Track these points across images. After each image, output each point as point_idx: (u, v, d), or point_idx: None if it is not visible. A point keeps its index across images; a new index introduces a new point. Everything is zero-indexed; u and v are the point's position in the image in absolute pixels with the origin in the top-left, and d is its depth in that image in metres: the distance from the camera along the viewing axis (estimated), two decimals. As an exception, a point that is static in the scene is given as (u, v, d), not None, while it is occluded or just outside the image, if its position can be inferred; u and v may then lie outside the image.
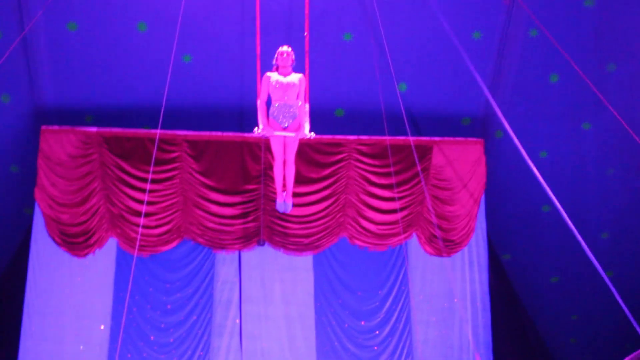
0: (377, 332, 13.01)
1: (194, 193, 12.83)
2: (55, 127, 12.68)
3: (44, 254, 12.57)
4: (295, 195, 12.69)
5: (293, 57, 9.31)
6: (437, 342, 13.02)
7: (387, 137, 12.63)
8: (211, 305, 12.84)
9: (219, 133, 12.88)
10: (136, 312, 12.61)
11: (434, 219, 12.98)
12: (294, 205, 12.69)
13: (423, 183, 12.74)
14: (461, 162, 13.13)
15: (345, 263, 13.25)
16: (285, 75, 9.15)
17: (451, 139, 13.25)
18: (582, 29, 12.44)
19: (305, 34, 9.55)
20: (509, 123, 12.46)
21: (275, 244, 12.98)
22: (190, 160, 12.81)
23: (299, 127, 9.11)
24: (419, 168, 12.58)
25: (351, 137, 13.09)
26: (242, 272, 12.99)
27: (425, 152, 13.07)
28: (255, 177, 12.78)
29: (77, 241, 12.61)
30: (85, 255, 12.64)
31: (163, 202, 12.79)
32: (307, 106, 9.25)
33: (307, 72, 9.38)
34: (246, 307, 12.85)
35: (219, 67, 12.73)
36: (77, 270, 12.64)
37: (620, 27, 12.52)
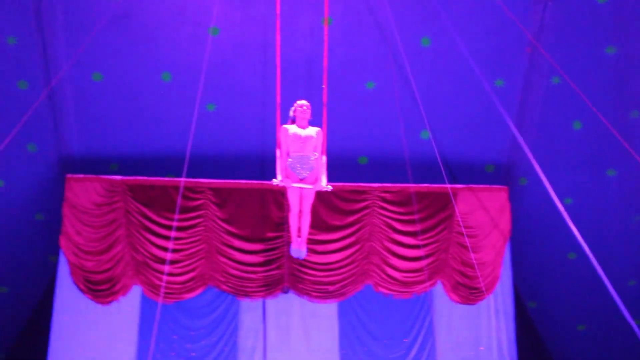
0: (403, 380, 12.91)
1: (218, 240, 12.85)
2: (81, 176, 12.77)
3: (69, 302, 12.57)
4: (319, 242, 12.78)
5: (310, 111, 9.33)
6: (463, 391, 12.91)
7: (411, 185, 12.63)
8: (236, 353, 12.77)
9: (243, 181, 12.93)
10: (160, 359, 12.57)
11: (459, 267, 12.94)
12: (319, 252, 12.78)
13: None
14: (486, 210, 13.08)
15: (370, 311, 13.16)
16: (302, 127, 9.18)
17: (475, 186, 13.22)
18: (604, 76, 12.44)
19: (324, 85, 9.58)
20: (533, 170, 12.48)
21: (300, 292, 12.94)
22: (214, 208, 12.85)
23: (316, 180, 9.09)
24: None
25: (375, 185, 13.09)
26: (266, 319, 12.94)
27: (449, 199, 13.04)
28: (278, 225, 12.79)
29: (101, 289, 12.62)
30: (110, 302, 12.64)
31: (187, 249, 12.80)
32: (324, 158, 9.25)
33: (324, 123, 9.38)
34: (271, 354, 12.76)
35: (243, 115, 12.83)
36: (101, 318, 12.61)
37: (643, 74, 12.54)
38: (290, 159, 9.00)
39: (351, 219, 13.06)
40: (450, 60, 11.99)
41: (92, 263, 12.61)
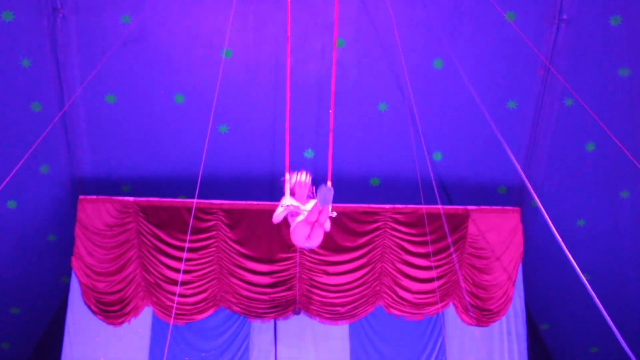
0: (415, 403, 12.85)
1: (230, 262, 12.85)
2: (93, 197, 12.81)
3: (80, 323, 12.59)
4: (330, 263, 12.79)
5: (310, 186, 8.68)
6: (476, 414, 12.84)
7: (423, 206, 12.62)
8: (247, 375, 12.76)
9: (254, 202, 12.93)
10: (172, 381, 12.57)
11: (471, 288, 12.92)
12: (330, 273, 12.81)
13: (454, 256, 12.66)
14: (498, 231, 13.05)
15: (382, 332, 13.12)
16: (302, 204, 8.59)
17: (487, 207, 13.19)
18: (617, 97, 12.43)
19: (331, 111, 9.53)
20: (546, 192, 12.49)
21: (311, 313, 12.92)
22: (226, 229, 12.85)
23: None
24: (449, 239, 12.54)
25: (387, 206, 13.07)
26: (277, 340, 12.92)
27: (461, 221, 13.02)
28: (290, 246, 12.77)
29: (113, 309, 12.64)
30: (121, 323, 12.66)
31: (199, 270, 12.81)
32: (329, 184, 8.85)
33: (330, 148, 9.27)
34: (282, 375, 12.77)
35: (254, 137, 12.85)
36: (112, 339, 12.62)
37: (656, 96, 12.52)
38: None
39: (363, 240, 13.04)
40: (462, 82, 11.99)
41: (104, 284, 12.62)
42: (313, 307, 12.92)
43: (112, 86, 12.37)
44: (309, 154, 12.94)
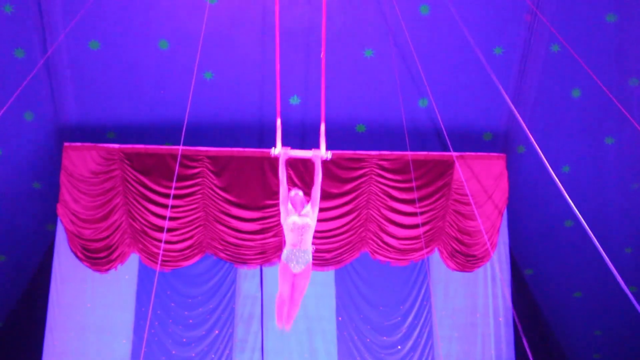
0: (399, 347, 12.96)
1: (216, 208, 12.86)
2: (78, 144, 12.76)
3: (66, 270, 12.64)
4: (316, 210, 12.78)
5: (302, 196, 8.61)
6: (460, 358, 12.96)
7: (408, 152, 12.62)
8: (233, 320, 12.86)
9: (240, 149, 12.92)
10: (158, 326, 12.62)
11: (456, 234, 12.99)
12: (317, 220, 12.77)
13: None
14: (483, 177, 13.09)
15: (367, 278, 13.22)
16: (299, 213, 8.50)
17: (473, 154, 13.21)
18: (604, 44, 12.42)
19: (322, 54, 9.48)
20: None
21: (297, 260, 12.97)
22: (212, 176, 12.85)
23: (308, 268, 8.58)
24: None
25: (373, 153, 13.08)
26: (263, 287, 12.99)
27: (446, 167, 13.05)
28: (275, 193, 12.74)
29: (99, 257, 12.67)
30: (107, 270, 12.70)
31: (185, 217, 12.83)
32: (322, 127, 8.90)
33: (323, 91, 9.27)
34: (268, 322, 12.81)
35: (240, 83, 12.79)
36: (99, 286, 12.70)
37: (643, 42, 12.51)
38: (286, 252, 8.44)
39: (349, 186, 13.07)
40: (449, 28, 11.94)
41: (90, 231, 12.64)
42: (299, 254, 12.96)
43: (96, 33, 12.25)
44: (294, 100, 12.90)
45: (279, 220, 12.48)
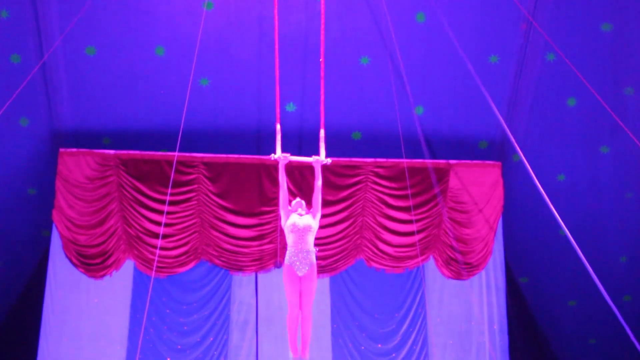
0: (394, 354, 12.95)
1: (211, 215, 12.86)
2: (73, 150, 12.75)
3: (61, 276, 12.62)
4: (312, 217, 12.78)
5: (303, 204, 8.81)
6: (455, 366, 12.98)
7: (404, 160, 12.63)
8: (228, 327, 12.84)
9: (236, 155, 12.92)
10: (153, 333, 12.60)
11: (452, 242, 12.99)
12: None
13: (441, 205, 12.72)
14: (479, 185, 13.11)
15: (362, 285, 13.22)
16: (300, 215, 8.70)
17: (469, 162, 13.23)
18: (599, 53, 12.45)
19: (321, 59, 9.51)
20: (527, 146, 12.52)
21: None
22: (207, 182, 12.85)
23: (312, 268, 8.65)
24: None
25: (368, 160, 13.09)
26: (258, 293, 12.99)
27: (442, 175, 13.06)
28: (272, 199, 12.79)
29: (94, 263, 12.65)
30: (102, 276, 12.69)
31: (180, 223, 12.82)
32: (322, 132, 9.04)
33: (322, 96, 9.33)
34: (263, 328, 12.84)
35: (236, 90, 12.79)
36: (94, 292, 12.68)
37: (638, 51, 12.51)
38: (289, 254, 8.54)
39: (344, 193, 13.07)
40: (444, 36, 11.95)
41: (85, 237, 12.63)
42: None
43: (92, 38, 12.27)
44: (290, 107, 12.91)
45: (275, 226, 12.62)
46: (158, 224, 12.22)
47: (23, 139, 12.70)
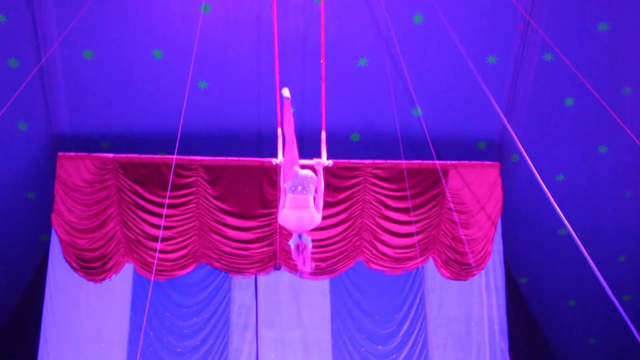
0: (394, 356, 12.95)
1: (210, 218, 12.86)
2: (72, 154, 12.75)
3: (61, 280, 12.61)
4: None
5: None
6: (455, 366, 12.98)
7: (403, 161, 12.64)
8: (228, 330, 12.83)
9: (234, 158, 12.92)
10: (153, 336, 12.60)
11: (450, 243, 13.01)
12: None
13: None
14: (477, 186, 13.11)
15: (362, 287, 13.22)
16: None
17: (467, 162, 13.23)
18: (596, 53, 12.45)
19: (322, 61, 9.53)
20: (525, 147, 12.41)
21: (292, 268, 12.96)
22: (206, 185, 12.85)
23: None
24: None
25: (367, 161, 13.10)
26: (258, 296, 12.99)
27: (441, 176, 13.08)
28: (271, 202, 12.79)
29: (93, 266, 12.65)
30: (102, 280, 12.68)
31: (179, 226, 12.82)
32: (323, 134, 8.98)
33: (323, 98, 9.35)
34: (263, 331, 12.84)
35: (234, 93, 12.78)
36: (93, 296, 12.67)
37: (635, 50, 12.52)
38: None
39: (343, 195, 13.08)
40: (442, 37, 11.96)
41: (84, 241, 12.62)
42: (294, 263, 12.95)
43: (90, 42, 12.24)
44: (289, 109, 12.90)
45: (274, 229, 12.63)
46: (157, 227, 12.21)
47: (21, 143, 12.68)
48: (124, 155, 12.81)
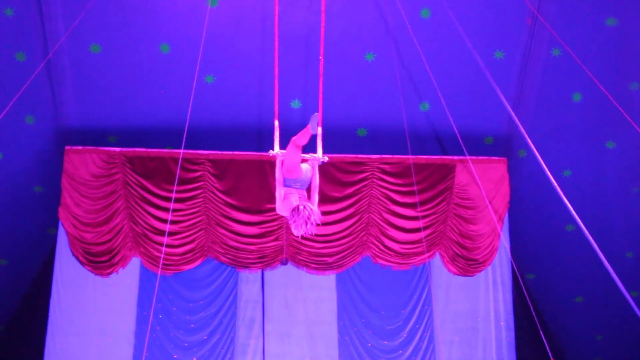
0: (400, 351, 12.93)
1: (217, 212, 12.87)
2: (79, 147, 12.77)
3: (68, 274, 12.63)
4: (318, 213, 12.79)
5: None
6: (461, 362, 12.97)
7: (410, 156, 12.63)
8: (234, 324, 12.83)
9: (241, 152, 12.93)
10: (159, 331, 12.61)
11: (457, 238, 12.99)
12: (318, 224, 12.77)
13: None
14: (484, 181, 13.05)
15: (368, 282, 13.21)
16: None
17: (474, 157, 13.18)
18: (604, 48, 12.41)
19: (320, 57, 9.51)
20: (533, 142, 12.46)
21: (298, 263, 12.98)
22: (213, 180, 12.85)
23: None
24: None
25: (374, 156, 13.09)
26: (265, 291, 12.99)
27: (448, 171, 13.05)
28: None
29: (100, 260, 12.67)
30: (109, 274, 12.70)
31: (186, 221, 12.83)
32: (319, 130, 8.90)
33: (320, 94, 9.32)
34: (269, 326, 12.84)
35: (242, 87, 12.79)
36: (100, 290, 12.69)
37: (643, 45, 12.51)
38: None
39: (350, 190, 13.08)
40: (450, 32, 11.94)
41: (91, 235, 12.64)
42: (300, 258, 12.97)
43: (97, 36, 12.26)
44: (295, 104, 12.91)
45: (281, 224, 12.64)
46: (164, 221, 12.23)
47: (29, 137, 12.71)
48: (131, 149, 12.84)
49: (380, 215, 13.09)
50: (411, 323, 13.04)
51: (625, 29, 12.32)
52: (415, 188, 12.77)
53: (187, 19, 12.19)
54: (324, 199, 12.58)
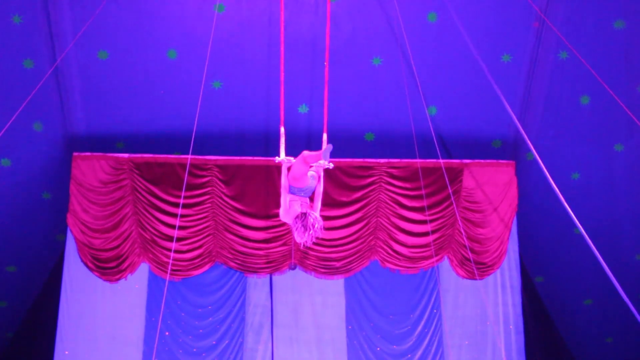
0: (409, 355, 12.90)
1: (225, 217, 12.87)
2: (87, 154, 12.78)
3: (77, 280, 12.63)
4: (325, 218, 12.67)
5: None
6: (470, 366, 12.94)
7: (417, 160, 12.62)
8: (243, 330, 12.82)
9: (249, 157, 12.93)
10: (168, 336, 12.61)
11: (466, 242, 12.96)
12: (325, 228, 12.48)
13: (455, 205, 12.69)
14: (492, 185, 13.06)
15: (377, 286, 13.18)
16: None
17: (482, 161, 13.19)
18: (612, 50, 12.40)
19: (325, 62, 9.51)
20: (541, 145, 12.48)
21: (307, 268, 12.97)
22: (221, 185, 12.85)
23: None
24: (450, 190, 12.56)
25: (381, 161, 13.07)
26: (273, 296, 12.98)
27: (456, 174, 13.03)
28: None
29: (109, 266, 12.68)
30: (117, 280, 12.70)
31: (194, 226, 12.83)
32: (324, 136, 8.97)
33: (325, 99, 9.31)
34: (278, 331, 12.82)
35: (249, 92, 12.80)
36: (109, 296, 12.69)
37: (651, 48, 12.49)
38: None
39: (358, 194, 13.06)
40: (457, 36, 11.93)
41: (100, 241, 12.65)
42: (309, 262, 12.96)
43: (104, 42, 12.28)
44: (303, 109, 12.92)
45: (288, 228, 12.57)
46: (172, 227, 12.22)
47: (37, 144, 12.73)
48: (139, 155, 12.84)
49: (388, 219, 13.08)
50: (420, 327, 13.01)
51: (633, 31, 12.30)
52: (423, 192, 12.76)
53: (194, 25, 12.20)
54: (332, 204, 12.62)
